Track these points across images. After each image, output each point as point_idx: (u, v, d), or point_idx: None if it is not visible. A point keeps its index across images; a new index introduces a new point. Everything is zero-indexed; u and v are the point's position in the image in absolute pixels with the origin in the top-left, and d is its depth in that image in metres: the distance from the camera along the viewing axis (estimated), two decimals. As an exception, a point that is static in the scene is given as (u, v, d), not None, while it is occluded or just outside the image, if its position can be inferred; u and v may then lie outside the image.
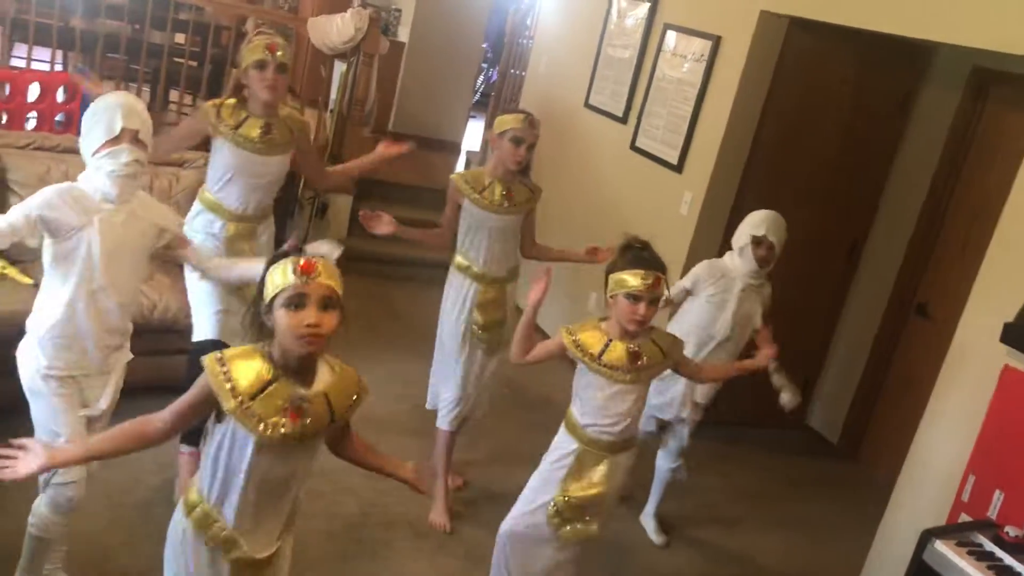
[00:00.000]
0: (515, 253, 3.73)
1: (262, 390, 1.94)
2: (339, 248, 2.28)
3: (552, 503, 2.82)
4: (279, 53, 3.24)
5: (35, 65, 5.95)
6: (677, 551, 3.92)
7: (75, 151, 3.95)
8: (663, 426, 3.88)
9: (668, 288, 2.80)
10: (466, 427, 3.94)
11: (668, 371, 3.15)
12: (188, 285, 3.37)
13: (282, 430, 1.94)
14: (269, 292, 1.97)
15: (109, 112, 2.49)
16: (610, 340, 2.74)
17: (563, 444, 2.86)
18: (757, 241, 3.61)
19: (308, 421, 1.97)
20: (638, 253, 2.74)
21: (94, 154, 2.49)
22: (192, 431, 3.44)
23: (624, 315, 2.71)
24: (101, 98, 2.57)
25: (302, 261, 1.95)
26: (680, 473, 3.92)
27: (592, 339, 2.76)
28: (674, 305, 3.79)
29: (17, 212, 2.39)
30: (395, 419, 4.24)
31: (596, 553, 3.66)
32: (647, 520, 4.00)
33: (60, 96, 5.27)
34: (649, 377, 2.82)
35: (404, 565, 3.40)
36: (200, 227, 3.33)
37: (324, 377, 2.02)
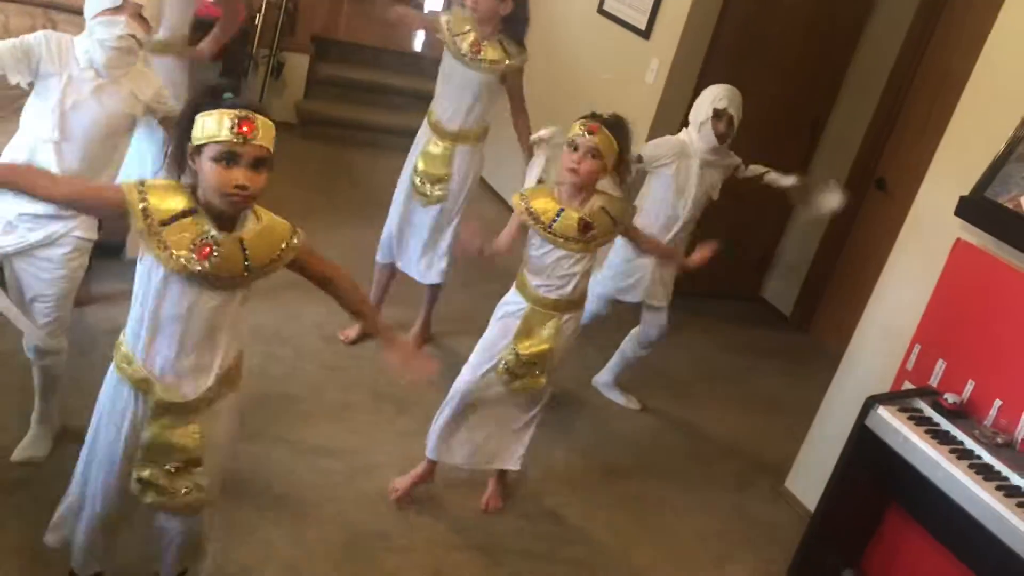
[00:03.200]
0: (477, 115, 3.65)
1: (174, 219, 1.90)
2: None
3: (502, 360, 2.91)
4: None
5: None
6: (625, 417, 4.04)
7: (65, 8, 3.84)
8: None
9: (628, 150, 2.80)
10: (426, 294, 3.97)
11: (633, 253, 3.19)
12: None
13: (186, 264, 1.90)
14: (198, 135, 1.88)
15: None
16: (562, 209, 2.76)
17: (512, 301, 2.94)
18: (718, 115, 3.54)
19: (216, 261, 1.91)
20: (592, 113, 2.76)
21: (93, 17, 2.45)
22: None
23: (564, 164, 2.74)
24: None
25: (243, 117, 1.85)
26: (643, 353, 3.97)
27: (545, 206, 2.78)
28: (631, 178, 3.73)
29: (3, 42, 2.41)
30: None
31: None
32: (609, 391, 4.09)
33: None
34: (598, 245, 2.86)
35: (364, 426, 3.47)
36: None
37: (247, 225, 1.97)
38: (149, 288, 1.97)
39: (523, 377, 2.95)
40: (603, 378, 4.11)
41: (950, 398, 2.94)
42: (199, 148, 1.89)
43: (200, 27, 3.69)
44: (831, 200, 3.71)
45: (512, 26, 3.52)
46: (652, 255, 3.46)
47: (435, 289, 3.96)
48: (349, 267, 3.98)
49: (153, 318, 1.99)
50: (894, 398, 3.03)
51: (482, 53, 3.48)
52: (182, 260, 1.90)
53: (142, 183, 1.94)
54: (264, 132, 1.89)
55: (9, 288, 2.61)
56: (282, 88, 6.14)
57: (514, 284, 2.96)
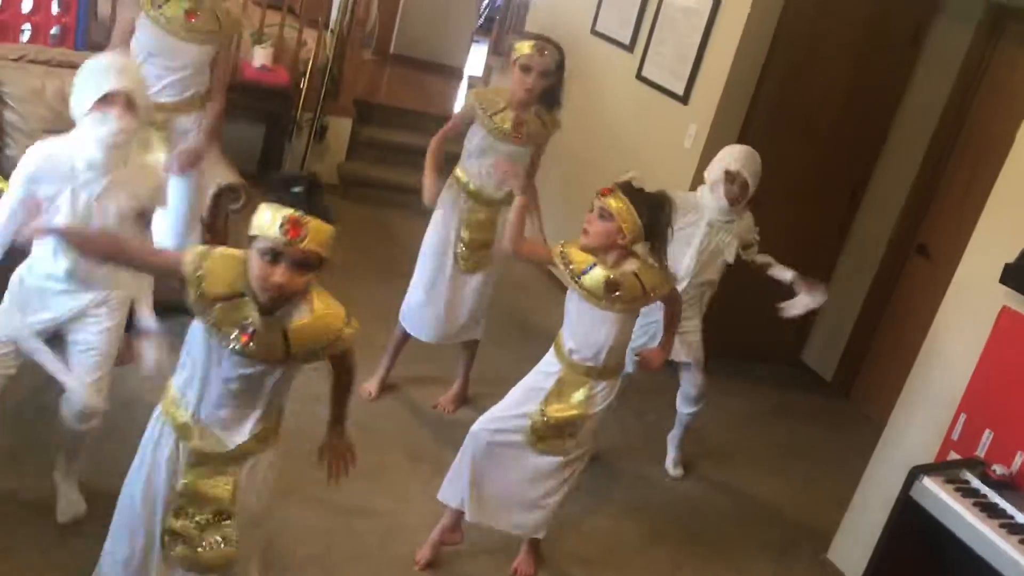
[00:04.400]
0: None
1: (227, 299, 1.96)
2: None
3: (529, 420, 2.88)
4: None
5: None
6: (665, 483, 3.98)
7: (69, 65, 3.89)
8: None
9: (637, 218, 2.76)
10: (463, 353, 3.98)
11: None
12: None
13: (231, 345, 1.96)
14: (253, 227, 1.94)
15: (101, 71, 2.46)
16: (595, 264, 2.76)
17: (548, 364, 2.93)
18: (731, 177, 3.50)
19: (254, 348, 1.97)
20: (619, 182, 2.75)
21: (84, 116, 2.46)
22: None
23: (594, 230, 2.73)
24: (94, 58, 2.54)
25: (292, 221, 1.88)
26: (695, 418, 3.92)
27: (580, 258, 2.79)
28: None
29: (5, 203, 2.47)
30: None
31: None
32: (671, 446, 4.03)
33: (55, 8, 5.15)
34: (624, 310, 2.79)
35: (398, 486, 3.45)
36: None
37: (296, 315, 2.00)
38: (201, 346, 2.03)
39: (548, 439, 2.90)
40: (670, 458, 4.03)
41: (998, 469, 2.86)
42: (253, 237, 1.94)
43: (245, 91, 3.76)
44: (813, 299, 3.61)
45: (547, 97, 3.56)
46: (667, 327, 3.19)
47: (474, 346, 3.97)
48: (384, 324, 4.05)
49: (202, 372, 2.04)
50: (940, 468, 2.96)
51: (525, 128, 3.53)
52: (227, 340, 1.96)
53: (204, 254, 1.99)
54: (313, 236, 1.90)
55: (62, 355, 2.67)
56: (325, 150, 6.26)
57: (552, 347, 2.95)
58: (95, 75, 2.46)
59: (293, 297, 1.98)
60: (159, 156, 3.46)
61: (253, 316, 1.97)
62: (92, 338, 2.66)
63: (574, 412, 2.87)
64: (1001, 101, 4.42)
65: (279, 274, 1.91)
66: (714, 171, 3.57)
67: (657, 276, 2.80)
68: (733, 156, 3.54)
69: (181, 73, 3.44)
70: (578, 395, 2.87)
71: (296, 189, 1.93)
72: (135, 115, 2.50)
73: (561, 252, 2.82)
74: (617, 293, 2.74)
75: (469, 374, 4.06)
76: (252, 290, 1.97)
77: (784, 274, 3.69)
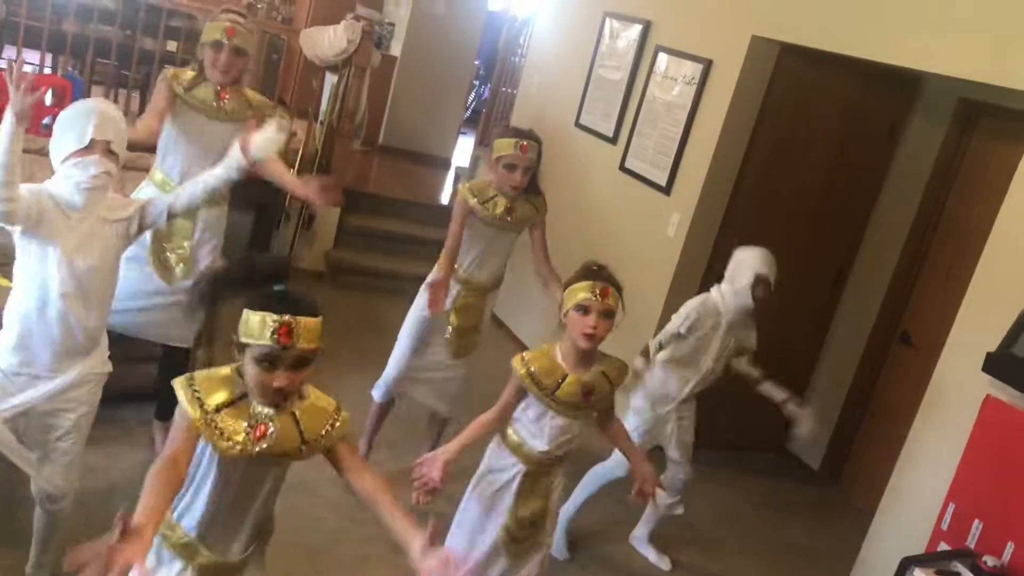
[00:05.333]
0: (504, 266, 3.78)
1: (228, 404, 1.93)
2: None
3: (504, 528, 2.80)
4: (236, 38, 3.31)
5: (23, 68, 5.91)
6: (656, 573, 3.90)
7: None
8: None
9: (623, 307, 2.70)
10: (444, 440, 3.94)
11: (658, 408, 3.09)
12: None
13: (243, 448, 1.92)
14: (243, 332, 1.91)
15: (83, 120, 2.45)
16: (566, 375, 2.68)
17: (505, 466, 2.81)
18: (759, 280, 3.53)
19: (274, 439, 1.94)
20: (590, 269, 2.70)
21: (63, 161, 2.46)
22: (162, 406, 3.67)
23: (576, 328, 2.63)
24: (77, 104, 2.54)
25: (282, 326, 1.87)
26: (677, 508, 3.88)
27: (547, 370, 2.69)
28: (655, 351, 3.64)
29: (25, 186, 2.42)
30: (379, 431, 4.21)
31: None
32: (641, 545, 3.97)
33: (48, 99, 5.24)
34: (593, 409, 2.79)
35: (381, 581, 3.37)
36: None
37: (295, 403, 2.00)
38: (202, 469, 1.98)
39: (524, 541, 2.83)
40: (638, 532, 3.99)
41: (990, 561, 2.83)
42: (243, 345, 1.92)
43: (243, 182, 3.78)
44: (808, 428, 3.67)
45: (530, 186, 3.63)
46: (616, 444, 3.12)
47: (443, 426, 3.99)
48: (367, 409, 4.01)
49: (207, 496, 2.00)
50: (930, 560, 2.92)
51: (514, 215, 3.60)
52: (238, 447, 1.92)
53: (191, 378, 1.97)
54: (306, 335, 1.90)
55: (25, 440, 2.61)
56: (312, 238, 6.31)
57: (497, 447, 2.84)
58: (76, 122, 2.45)
59: (295, 395, 1.98)
60: (182, 246, 3.47)
61: (262, 411, 1.94)
62: (66, 423, 2.59)
63: (540, 503, 2.82)
64: (978, 191, 4.53)
65: (280, 379, 1.91)
66: (743, 276, 3.56)
67: (616, 368, 2.78)
68: (761, 260, 3.56)
69: (211, 160, 3.45)
70: (542, 485, 2.81)
71: (279, 287, 1.94)
72: (115, 161, 2.49)
73: (528, 373, 2.68)
74: (592, 398, 2.72)
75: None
76: (253, 393, 1.96)
77: (776, 393, 3.71)
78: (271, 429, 1.94)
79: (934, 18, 3.61)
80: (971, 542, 2.97)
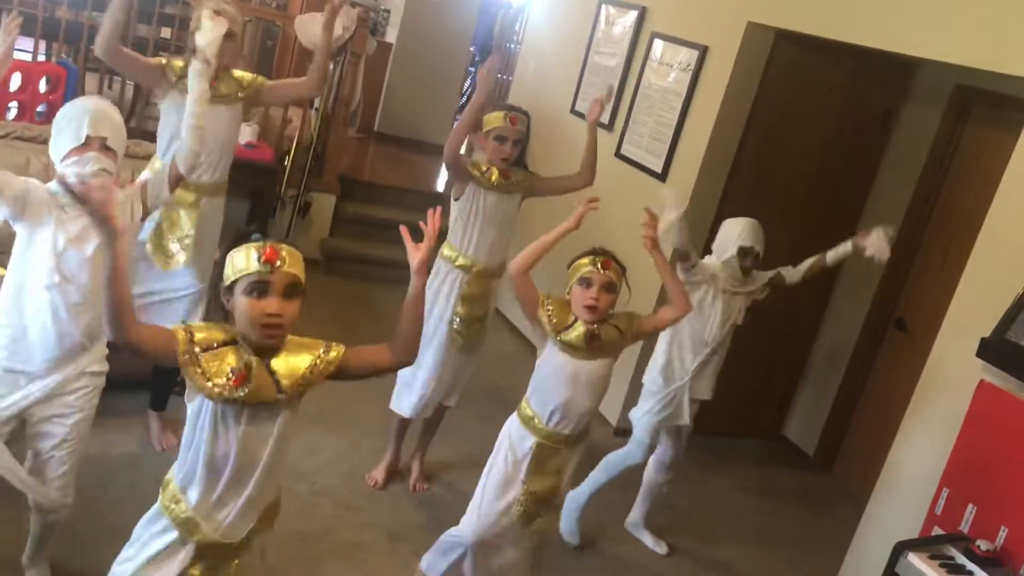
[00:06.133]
0: (505, 246, 3.72)
1: (217, 347, 1.94)
2: None
3: (517, 503, 2.85)
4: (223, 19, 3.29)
5: (17, 55, 5.89)
6: (653, 561, 3.91)
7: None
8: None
9: (627, 284, 2.82)
10: (444, 427, 3.96)
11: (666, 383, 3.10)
12: None
13: (222, 391, 1.92)
14: (229, 275, 1.95)
15: (78, 117, 2.46)
16: (575, 320, 2.78)
17: (519, 440, 2.88)
18: (744, 252, 3.58)
19: (251, 388, 1.94)
20: (593, 248, 2.81)
21: (62, 160, 2.47)
22: (157, 396, 3.71)
23: (579, 301, 2.75)
24: (73, 102, 2.55)
25: (266, 248, 1.93)
26: (665, 486, 3.91)
27: (562, 313, 2.80)
28: (680, 255, 3.57)
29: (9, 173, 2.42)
30: (372, 420, 4.22)
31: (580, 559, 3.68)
32: (639, 531, 3.99)
33: (42, 86, 5.22)
34: (605, 356, 2.83)
35: (377, 569, 3.39)
36: None
37: (278, 355, 2.01)
38: (199, 428, 2.00)
39: (538, 517, 2.89)
40: (633, 518, 4.01)
41: (983, 545, 2.84)
42: (231, 287, 1.95)
43: (231, 167, 3.79)
44: (880, 246, 3.61)
45: (517, 161, 3.67)
46: (669, 319, 3.06)
47: (441, 416, 3.97)
48: (365, 400, 4.02)
49: (204, 458, 2.00)
50: (924, 544, 2.94)
51: (512, 178, 3.62)
52: (217, 388, 1.93)
53: (187, 324, 1.99)
54: (291, 260, 1.95)
55: (28, 448, 2.60)
56: (308, 226, 6.30)
57: (516, 419, 2.92)
58: (73, 120, 2.46)
59: (287, 331, 1.98)
60: (185, 234, 3.47)
61: (245, 358, 1.95)
62: (61, 430, 2.56)
63: (552, 481, 2.87)
64: (972, 177, 4.53)
65: (273, 305, 1.92)
66: (726, 246, 3.61)
67: (625, 318, 2.86)
68: (745, 231, 3.59)
69: (211, 143, 3.46)
70: (554, 463, 2.87)
71: (255, 236, 1.97)
72: (113, 157, 2.50)
73: (546, 302, 2.81)
74: (597, 343, 2.77)
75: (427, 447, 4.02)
76: (244, 337, 1.96)
77: (840, 250, 3.73)
78: (250, 377, 1.94)
79: (930, 4, 3.61)
80: (965, 527, 2.99)
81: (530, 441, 2.86)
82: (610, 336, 2.81)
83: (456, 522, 2.99)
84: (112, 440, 3.59)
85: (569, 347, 2.78)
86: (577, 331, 2.77)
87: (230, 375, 1.93)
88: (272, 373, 1.98)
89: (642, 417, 3.70)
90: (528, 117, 3.63)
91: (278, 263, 1.92)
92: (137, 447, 3.64)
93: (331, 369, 2.06)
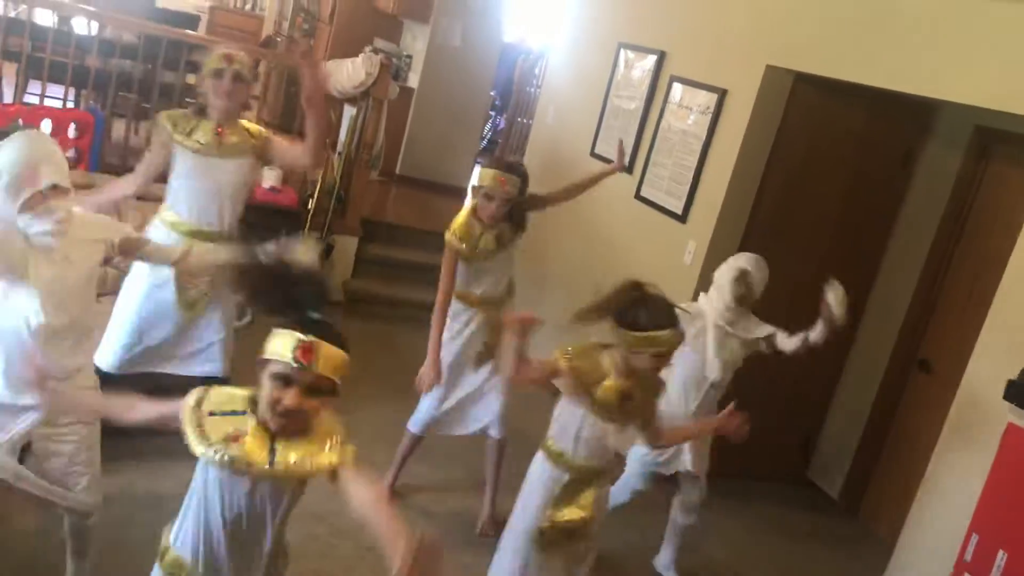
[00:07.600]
0: (513, 277, 3.86)
1: (223, 414, 1.94)
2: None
3: (537, 529, 2.84)
4: (235, 64, 3.41)
5: (48, 102, 6.02)
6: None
7: (84, 186, 4.04)
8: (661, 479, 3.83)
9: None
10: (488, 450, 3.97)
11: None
12: (118, 301, 3.52)
13: (214, 453, 1.90)
14: (267, 350, 1.94)
15: (23, 167, 2.34)
16: (606, 377, 2.72)
17: (552, 477, 2.84)
18: (743, 276, 3.59)
19: (239, 453, 1.90)
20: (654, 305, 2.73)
21: (19, 212, 2.36)
22: None
23: (644, 365, 2.69)
24: (10, 146, 2.37)
25: (308, 344, 1.88)
26: (689, 529, 3.87)
27: (591, 368, 2.71)
28: None
29: None
30: (390, 461, 4.20)
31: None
32: (668, 572, 3.93)
33: (72, 132, 5.32)
34: (632, 419, 2.80)
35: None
36: None
37: (296, 436, 1.96)
38: (196, 492, 2.00)
39: (561, 546, 2.86)
40: (663, 560, 3.95)
41: (1014, 592, 2.78)
42: (265, 361, 1.93)
43: (255, 210, 3.85)
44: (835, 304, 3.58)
45: (512, 216, 3.73)
46: (672, 443, 3.32)
47: (504, 444, 3.90)
48: (385, 443, 4.01)
49: (203, 520, 2.00)
50: (954, 591, 2.88)
51: (504, 237, 3.71)
52: (212, 449, 1.90)
53: (204, 391, 1.99)
54: (325, 362, 1.91)
55: (39, 469, 2.60)
56: (331, 268, 6.33)
57: (543, 457, 2.89)
58: (18, 169, 2.33)
59: (303, 424, 1.95)
60: (203, 282, 3.51)
61: (248, 426, 1.93)
62: (67, 448, 2.58)
63: (584, 514, 2.84)
64: (995, 217, 4.50)
65: (290, 397, 1.89)
66: (725, 272, 3.65)
67: (652, 383, 2.83)
68: (746, 258, 3.66)
69: (219, 196, 3.54)
70: (586, 496, 2.84)
71: (315, 315, 1.95)
72: (65, 194, 2.42)
73: (571, 366, 2.70)
74: (630, 404, 2.73)
75: (497, 482, 3.93)
76: (256, 411, 1.95)
77: (819, 328, 3.65)
78: (238, 451, 1.90)
79: (947, 46, 3.62)
80: (995, 574, 2.93)
81: (561, 476, 2.83)
82: (638, 396, 2.75)
83: (477, 544, 2.98)
84: (131, 481, 3.60)
85: (599, 409, 2.72)
86: (609, 390, 2.70)
87: (226, 438, 1.91)
88: (273, 447, 1.94)
89: (637, 457, 3.71)
90: (523, 177, 3.68)
91: (310, 364, 1.88)
92: (158, 488, 3.64)
93: (330, 468, 1.96)
